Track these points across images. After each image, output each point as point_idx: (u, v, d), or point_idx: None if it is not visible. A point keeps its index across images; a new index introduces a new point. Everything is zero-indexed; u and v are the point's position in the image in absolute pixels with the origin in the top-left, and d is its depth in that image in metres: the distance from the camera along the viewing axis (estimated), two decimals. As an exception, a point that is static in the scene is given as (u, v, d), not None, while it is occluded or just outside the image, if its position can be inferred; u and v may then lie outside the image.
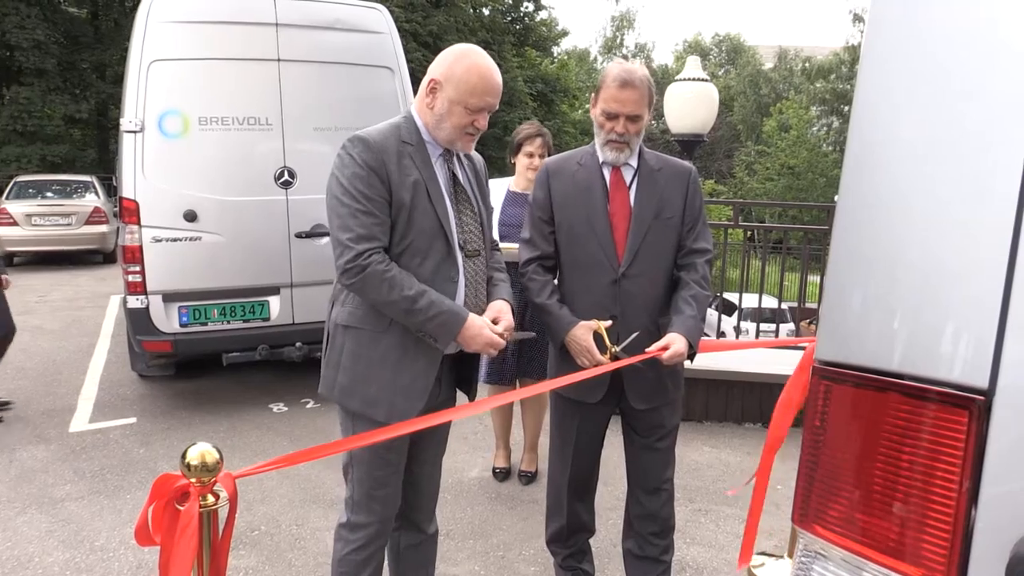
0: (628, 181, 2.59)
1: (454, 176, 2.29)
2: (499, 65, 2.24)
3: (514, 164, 4.06)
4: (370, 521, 2.33)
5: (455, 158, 2.31)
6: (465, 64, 2.15)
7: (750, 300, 10.23)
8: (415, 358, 2.22)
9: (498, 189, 3.84)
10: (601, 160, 2.59)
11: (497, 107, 2.25)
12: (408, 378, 2.19)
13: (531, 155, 3.93)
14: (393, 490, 2.36)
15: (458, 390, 2.51)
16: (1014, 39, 1.12)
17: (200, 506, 1.62)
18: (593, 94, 2.61)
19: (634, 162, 2.60)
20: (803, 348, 3.42)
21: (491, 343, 2.19)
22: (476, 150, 2.43)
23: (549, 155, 3.83)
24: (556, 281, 2.67)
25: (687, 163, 2.72)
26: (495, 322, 2.26)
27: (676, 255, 2.61)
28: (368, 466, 2.29)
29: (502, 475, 4.24)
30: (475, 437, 4.87)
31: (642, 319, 2.55)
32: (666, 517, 2.78)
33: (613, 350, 2.47)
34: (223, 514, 1.74)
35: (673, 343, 2.43)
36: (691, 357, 2.55)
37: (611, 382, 2.58)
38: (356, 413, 2.27)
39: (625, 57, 45.47)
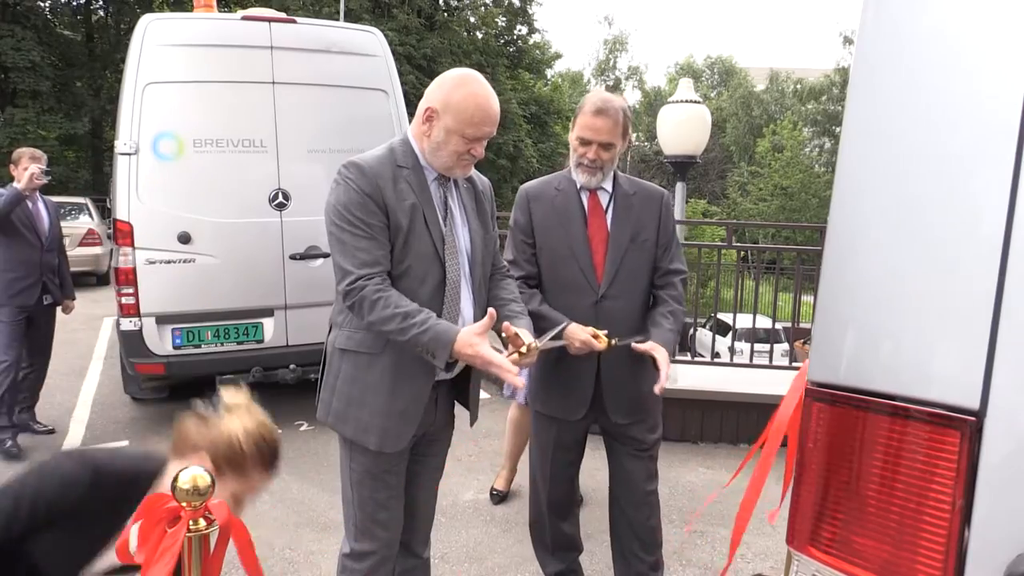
0: (604, 205, 2.66)
1: (446, 201, 2.25)
2: (493, 87, 2.22)
3: None
4: (374, 548, 2.30)
5: (451, 182, 2.28)
6: (463, 93, 2.10)
7: (744, 320, 10.24)
8: (409, 383, 2.20)
9: None
10: (578, 185, 2.65)
11: (495, 134, 2.21)
12: (402, 403, 2.17)
13: None
14: (395, 513, 2.34)
15: (456, 402, 2.48)
16: (1000, 63, 1.14)
17: (190, 530, 1.61)
18: (573, 119, 2.67)
19: (609, 187, 2.67)
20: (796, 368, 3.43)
21: (488, 358, 1.99)
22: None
23: None
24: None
25: (659, 187, 2.82)
26: (519, 343, 2.13)
27: (651, 276, 2.70)
28: (369, 489, 2.27)
29: (498, 497, 4.22)
30: (470, 459, 4.85)
31: (622, 337, 2.59)
32: (652, 529, 2.80)
33: (613, 342, 2.49)
34: (214, 538, 1.73)
35: (656, 350, 2.49)
36: None
37: (592, 400, 2.65)
38: (350, 440, 2.25)
39: (617, 80, 45.81)
